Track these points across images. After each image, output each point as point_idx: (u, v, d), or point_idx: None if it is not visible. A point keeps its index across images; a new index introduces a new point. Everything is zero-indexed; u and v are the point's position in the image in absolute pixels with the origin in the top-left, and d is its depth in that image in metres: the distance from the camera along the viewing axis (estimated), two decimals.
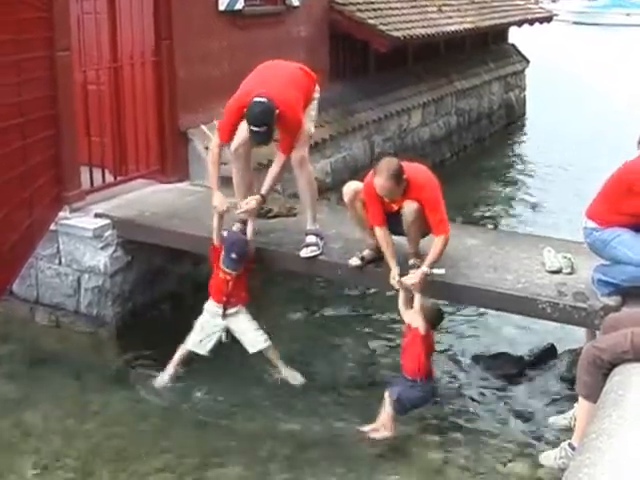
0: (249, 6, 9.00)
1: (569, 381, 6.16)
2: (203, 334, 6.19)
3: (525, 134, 17.42)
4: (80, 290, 6.97)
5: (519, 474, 5.30)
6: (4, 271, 6.62)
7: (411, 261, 5.76)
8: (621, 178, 5.05)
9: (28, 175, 6.53)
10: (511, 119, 17.35)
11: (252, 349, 6.19)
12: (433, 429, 5.82)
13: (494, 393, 6.38)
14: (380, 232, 5.64)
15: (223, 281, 6.14)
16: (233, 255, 6.05)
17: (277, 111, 5.73)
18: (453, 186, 10.56)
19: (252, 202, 6.08)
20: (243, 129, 6.15)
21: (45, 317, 7.16)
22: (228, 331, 6.21)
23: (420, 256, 5.78)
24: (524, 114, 18.32)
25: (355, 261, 5.88)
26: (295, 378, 6.21)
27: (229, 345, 6.25)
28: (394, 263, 5.61)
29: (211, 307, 6.22)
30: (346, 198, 5.82)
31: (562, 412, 5.74)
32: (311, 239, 6.18)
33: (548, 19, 18.68)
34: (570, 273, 5.68)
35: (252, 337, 6.19)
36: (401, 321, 5.80)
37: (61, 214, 6.95)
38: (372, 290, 7.68)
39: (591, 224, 5.16)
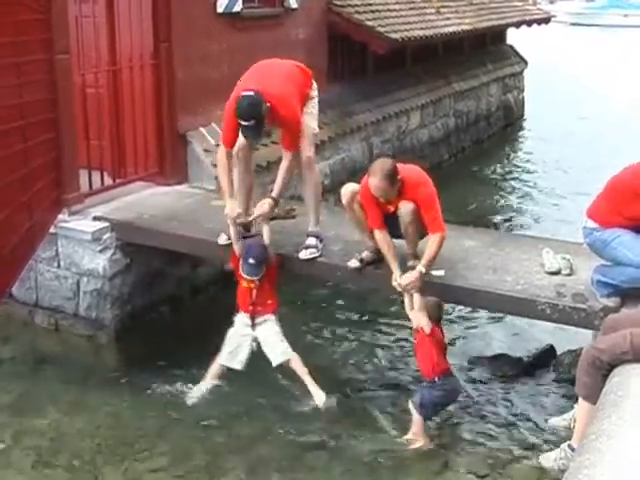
0: (247, 8, 9.00)
1: (568, 382, 6.16)
2: (233, 346, 6.07)
3: (523, 135, 17.43)
4: (79, 293, 6.97)
5: (519, 475, 5.30)
6: (4, 274, 6.62)
7: (410, 262, 5.77)
8: (628, 182, 5.03)
9: (28, 178, 6.53)
10: (509, 121, 17.36)
11: (275, 361, 6.02)
12: (432, 431, 5.82)
13: (493, 394, 6.38)
14: (380, 235, 5.64)
15: (247, 290, 6.04)
16: (250, 260, 5.93)
17: (267, 105, 5.67)
18: (451, 188, 10.59)
19: (264, 206, 5.98)
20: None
21: (44, 320, 7.15)
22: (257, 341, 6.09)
23: (419, 257, 5.78)
24: (522, 115, 18.33)
25: (354, 263, 5.88)
26: (319, 397, 5.92)
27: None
28: (396, 265, 5.61)
29: (240, 318, 6.11)
30: (344, 200, 5.83)
31: (561, 413, 5.75)
32: (311, 241, 6.18)
33: (546, 20, 18.72)
34: (569, 274, 5.68)
35: (276, 348, 6.03)
36: (402, 323, 5.81)
37: (60, 217, 6.95)
38: (372, 291, 7.67)
39: (591, 224, 5.15)
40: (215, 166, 7.79)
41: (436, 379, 5.47)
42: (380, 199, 5.55)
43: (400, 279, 5.53)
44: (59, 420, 5.99)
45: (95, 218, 6.96)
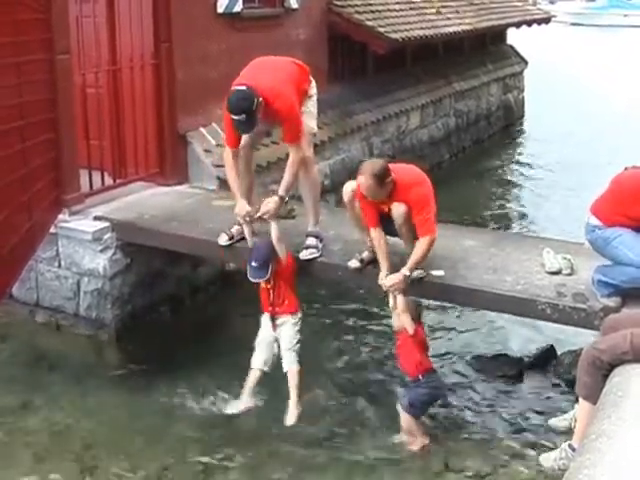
0: (248, 9, 9.01)
1: (569, 382, 6.16)
2: (260, 348, 6.00)
3: (524, 135, 17.43)
4: (79, 293, 6.97)
5: (519, 475, 5.30)
6: (4, 274, 6.62)
7: None
8: (635, 183, 5.03)
9: (28, 178, 6.53)
10: (510, 120, 17.36)
11: (285, 366, 5.94)
12: (432, 430, 5.82)
13: (493, 394, 6.39)
14: (374, 233, 5.64)
15: (265, 291, 5.96)
16: (253, 263, 5.81)
17: (259, 99, 5.63)
18: (451, 187, 10.61)
19: (270, 204, 5.90)
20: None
21: (45, 320, 7.16)
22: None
23: None
24: (523, 115, 18.33)
25: (354, 263, 5.88)
26: (291, 416, 5.78)
27: (226, 346, 6.25)
28: (385, 265, 5.60)
29: (263, 318, 6.04)
30: (345, 198, 5.81)
31: (562, 413, 5.74)
32: (311, 241, 6.18)
33: (546, 20, 18.71)
34: (570, 274, 5.68)
35: (283, 354, 5.96)
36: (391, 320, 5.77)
37: (60, 217, 6.95)
38: (372, 291, 7.67)
39: (594, 221, 5.15)
40: (216, 166, 7.85)
41: (420, 377, 5.48)
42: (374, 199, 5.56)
43: (385, 280, 5.54)
44: (59, 419, 5.99)
45: (96, 218, 6.96)
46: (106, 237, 6.83)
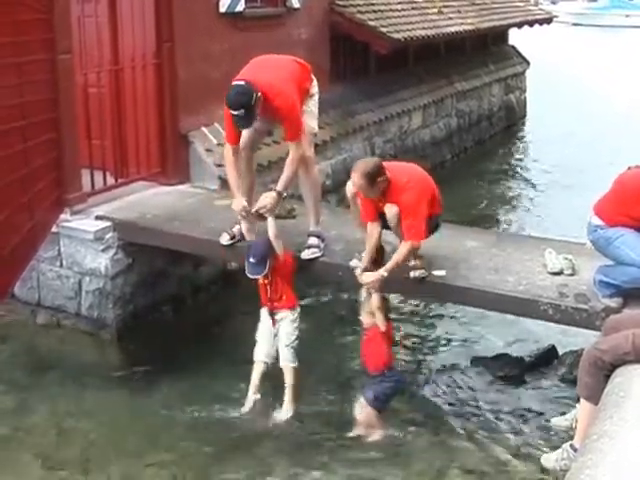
0: (250, 8, 9.01)
1: (570, 382, 6.16)
2: (262, 340, 6.02)
3: (525, 136, 17.42)
4: (81, 292, 6.97)
5: (520, 475, 5.30)
6: (6, 273, 6.63)
7: (411, 263, 5.76)
8: (638, 184, 5.03)
9: (29, 178, 6.54)
10: (511, 121, 17.35)
11: (281, 362, 5.96)
12: (434, 431, 5.82)
13: (495, 394, 6.38)
14: (369, 227, 5.68)
15: (263, 286, 5.98)
16: (251, 259, 5.84)
17: (258, 95, 5.62)
18: (453, 188, 10.59)
19: (267, 199, 5.89)
20: (244, 130, 6.14)
21: (46, 319, 7.16)
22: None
23: (419, 257, 5.78)
24: (524, 116, 18.31)
25: (356, 262, 5.88)
26: (285, 413, 5.85)
27: (228, 345, 6.25)
28: (366, 258, 5.66)
29: (263, 312, 6.06)
30: (348, 194, 5.81)
31: (563, 413, 5.74)
32: (313, 241, 6.18)
33: (548, 21, 18.70)
34: (571, 275, 5.68)
35: (280, 350, 5.98)
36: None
37: (62, 216, 6.96)
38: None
39: (597, 221, 5.15)
40: (217, 166, 7.86)
41: (385, 372, 5.56)
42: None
43: (363, 277, 5.57)
44: (60, 419, 5.99)
45: (97, 218, 6.96)
46: (108, 237, 6.83)
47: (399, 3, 12.29)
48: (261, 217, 5.99)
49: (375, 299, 5.56)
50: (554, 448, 5.19)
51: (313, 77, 6.26)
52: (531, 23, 17.51)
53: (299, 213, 6.78)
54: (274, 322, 6.00)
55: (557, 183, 13.20)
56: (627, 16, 48.42)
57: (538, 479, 5.17)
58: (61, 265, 7.03)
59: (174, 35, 7.88)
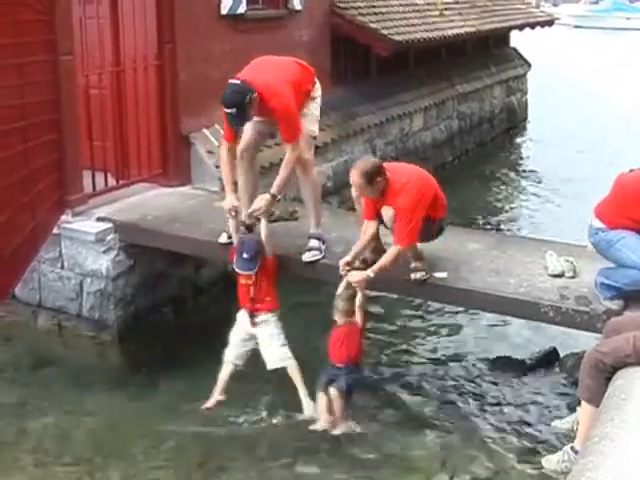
0: (251, 10, 9.01)
1: (571, 385, 6.16)
2: (235, 343, 6.07)
3: (527, 138, 17.42)
4: (82, 294, 6.97)
5: (521, 478, 5.30)
6: (7, 274, 6.63)
7: (412, 264, 5.76)
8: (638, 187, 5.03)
9: (31, 179, 6.54)
10: (513, 123, 17.35)
11: (270, 365, 5.99)
12: (433, 433, 5.82)
13: (496, 396, 6.38)
14: (365, 224, 5.70)
15: (245, 287, 6.01)
16: (245, 255, 5.89)
17: (253, 95, 5.62)
18: (455, 190, 10.56)
19: (260, 202, 5.91)
20: (248, 131, 6.14)
21: (47, 320, 7.16)
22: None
23: (422, 259, 5.78)
24: (526, 118, 18.31)
25: (358, 264, 5.87)
26: (309, 408, 5.87)
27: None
28: (353, 253, 5.68)
29: (241, 315, 6.09)
30: (354, 194, 5.81)
31: (564, 416, 5.74)
32: (313, 243, 6.18)
33: (549, 23, 18.69)
34: (573, 277, 5.68)
35: (272, 352, 6.00)
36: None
37: (63, 218, 6.96)
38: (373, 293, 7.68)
39: (598, 223, 5.15)
40: (218, 167, 7.82)
41: (355, 366, 5.67)
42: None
43: (350, 274, 5.59)
44: (61, 420, 5.99)
45: (99, 219, 6.97)
46: (109, 238, 6.83)
47: (400, 5, 12.29)
48: (256, 219, 6.03)
49: (359, 297, 5.64)
50: (555, 450, 5.19)
51: (316, 80, 6.24)
52: (532, 25, 17.50)
53: (301, 215, 6.77)
54: (253, 324, 6.02)
55: (558, 185, 13.20)
56: (628, 19, 48.47)
57: None
58: (62, 266, 7.03)
59: (175, 37, 7.88)
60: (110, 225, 6.89)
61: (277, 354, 6.00)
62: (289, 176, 6.02)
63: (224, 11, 8.54)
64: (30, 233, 6.61)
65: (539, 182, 13.70)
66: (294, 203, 7.33)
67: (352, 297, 5.66)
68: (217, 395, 6.03)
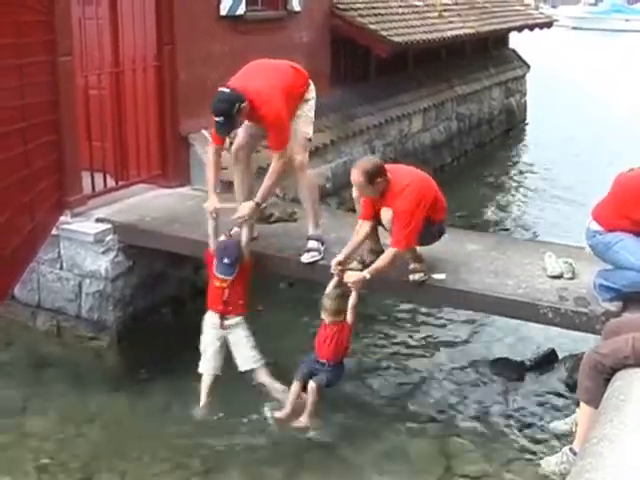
0: (251, 11, 9.01)
1: (570, 386, 6.17)
2: (209, 352, 6.09)
3: (526, 139, 17.44)
4: (81, 295, 6.97)
5: (520, 479, 5.30)
6: (6, 275, 6.62)
7: (411, 266, 5.76)
8: (637, 185, 5.02)
9: (30, 180, 6.53)
10: (512, 124, 17.37)
11: (242, 367, 6.05)
12: (432, 434, 5.83)
13: (495, 398, 6.39)
14: (359, 224, 5.70)
15: (219, 289, 6.03)
16: (225, 260, 5.95)
17: (242, 104, 5.64)
18: (453, 191, 10.57)
19: (245, 209, 5.97)
20: (241, 133, 6.15)
21: (46, 321, 7.16)
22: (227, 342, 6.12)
23: (421, 260, 5.78)
24: (525, 119, 18.33)
25: (356, 265, 5.87)
26: (279, 414, 5.80)
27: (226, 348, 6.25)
28: (346, 252, 5.68)
29: (209, 317, 6.12)
30: (354, 194, 5.81)
31: (563, 417, 5.74)
32: (312, 244, 6.18)
33: (548, 24, 18.69)
34: (571, 278, 5.68)
35: (245, 354, 6.06)
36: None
37: (62, 219, 6.95)
38: (372, 293, 7.67)
39: (595, 226, 5.15)
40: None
41: (339, 364, 5.69)
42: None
43: (347, 274, 5.59)
44: (60, 422, 5.99)
45: (97, 220, 6.96)
46: (108, 239, 6.83)
47: (400, 7, 12.29)
48: (238, 224, 6.11)
49: (353, 297, 5.63)
50: (554, 452, 5.19)
51: (310, 82, 6.24)
52: (531, 27, 17.52)
53: (300, 216, 6.78)
54: (223, 325, 6.05)
55: (557, 187, 13.22)
56: (627, 20, 48.53)
57: None
58: (61, 267, 7.03)
59: (175, 38, 7.88)
60: (109, 226, 6.89)
61: (249, 356, 6.05)
62: (274, 184, 6.07)
63: (223, 12, 8.54)
64: (29, 234, 6.61)
65: (537, 183, 13.72)
66: (293, 204, 7.32)
67: (340, 296, 5.65)
68: (205, 399, 6.04)
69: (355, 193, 5.76)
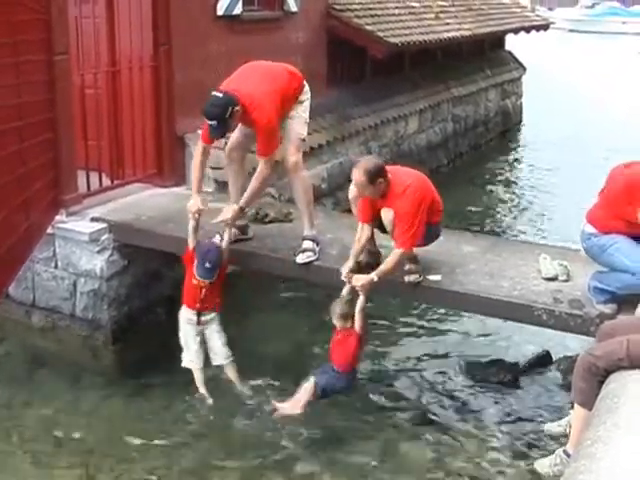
0: (247, 11, 9.01)
1: (564, 388, 6.17)
2: (196, 350, 6.16)
3: (521, 141, 17.46)
4: (76, 293, 6.96)
5: None
6: (1, 274, 6.61)
7: (407, 267, 5.76)
8: (629, 185, 5.02)
9: (25, 178, 6.53)
10: (507, 126, 17.39)
11: (217, 361, 6.19)
12: (427, 435, 5.83)
13: (489, 400, 6.39)
14: (359, 228, 5.69)
15: (196, 287, 6.07)
16: (207, 264, 5.97)
17: (235, 108, 5.66)
18: (449, 192, 10.57)
19: (227, 213, 6.01)
20: (235, 133, 6.15)
21: (41, 320, 7.14)
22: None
23: (416, 261, 5.78)
24: (520, 121, 18.36)
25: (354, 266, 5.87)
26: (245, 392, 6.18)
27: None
28: (352, 260, 5.66)
29: (184, 314, 6.17)
30: (350, 195, 5.80)
31: (557, 419, 5.75)
32: (307, 244, 6.17)
33: (545, 27, 18.74)
34: (566, 280, 5.68)
35: (217, 350, 6.18)
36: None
37: (58, 218, 6.94)
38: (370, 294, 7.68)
39: (590, 229, 5.15)
40: (212, 169, 7.84)
41: (347, 372, 5.63)
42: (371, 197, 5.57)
43: (354, 278, 5.56)
44: (55, 421, 5.99)
45: (93, 219, 6.96)
46: (103, 238, 6.82)
47: (396, 8, 12.31)
48: (220, 227, 6.15)
49: (361, 301, 5.58)
50: (548, 453, 5.19)
51: (305, 84, 6.23)
52: (528, 29, 17.56)
53: (296, 217, 6.78)
54: (200, 321, 6.12)
55: (552, 189, 13.24)
56: (624, 23, 48.63)
57: None
58: (56, 266, 7.02)
59: (171, 38, 7.87)
60: (104, 225, 6.88)
61: (221, 352, 6.16)
62: (259, 189, 6.08)
63: (220, 12, 8.54)
64: (24, 232, 6.60)
65: (533, 185, 13.74)
66: (288, 205, 7.32)
67: (349, 301, 5.63)
68: (205, 392, 6.14)
69: (351, 195, 5.76)
